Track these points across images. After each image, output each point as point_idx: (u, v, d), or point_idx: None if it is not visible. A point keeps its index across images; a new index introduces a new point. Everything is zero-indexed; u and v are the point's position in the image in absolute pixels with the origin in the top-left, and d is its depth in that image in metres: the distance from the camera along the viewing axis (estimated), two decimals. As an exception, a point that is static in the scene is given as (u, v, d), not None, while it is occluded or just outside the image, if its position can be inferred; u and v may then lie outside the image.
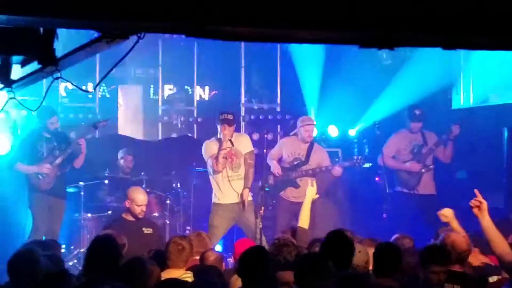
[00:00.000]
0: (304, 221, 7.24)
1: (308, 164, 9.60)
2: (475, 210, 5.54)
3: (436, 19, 3.60)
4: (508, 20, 3.64)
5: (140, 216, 7.92)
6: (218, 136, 8.77)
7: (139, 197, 7.91)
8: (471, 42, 3.80)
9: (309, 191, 7.65)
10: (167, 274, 5.66)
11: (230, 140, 8.72)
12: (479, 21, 3.62)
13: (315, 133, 10.80)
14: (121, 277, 5.07)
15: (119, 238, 6.64)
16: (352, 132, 10.90)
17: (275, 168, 9.52)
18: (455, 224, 6.17)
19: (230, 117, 8.75)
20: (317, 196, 7.78)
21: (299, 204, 8.84)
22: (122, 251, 6.22)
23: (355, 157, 9.96)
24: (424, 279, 5.34)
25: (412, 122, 10.05)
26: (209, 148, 8.85)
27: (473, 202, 5.55)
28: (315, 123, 9.86)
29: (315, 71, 11.11)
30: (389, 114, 10.85)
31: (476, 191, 5.55)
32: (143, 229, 7.85)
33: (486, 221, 5.52)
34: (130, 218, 7.90)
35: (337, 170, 9.60)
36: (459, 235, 5.88)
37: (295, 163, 9.60)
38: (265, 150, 9.73)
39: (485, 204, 5.56)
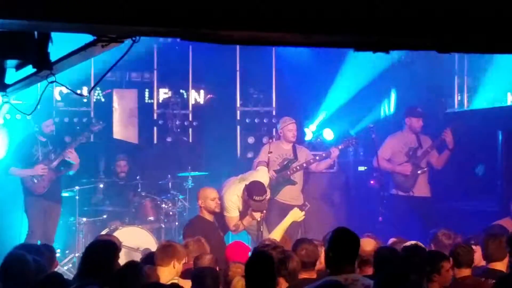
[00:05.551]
0: (277, 234, 7.26)
1: (298, 160, 9.61)
2: None
3: (430, 22, 3.60)
4: (502, 24, 3.64)
5: (217, 210, 8.09)
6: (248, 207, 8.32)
7: (211, 192, 8.14)
8: (466, 45, 3.81)
9: (294, 212, 7.65)
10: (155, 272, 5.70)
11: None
12: (474, 24, 3.62)
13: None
14: (115, 282, 5.05)
15: (117, 241, 6.65)
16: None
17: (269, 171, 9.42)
18: None
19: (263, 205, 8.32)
20: (302, 218, 7.79)
21: (292, 207, 8.83)
22: (117, 255, 6.21)
23: (349, 138, 9.96)
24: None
25: (414, 117, 10.00)
26: (237, 202, 8.42)
27: None
28: (295, 121, 9.81)
29: (309, 75, 11.11)
30: (384, 117, 10.84)
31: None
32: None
33: None
34: (207, 217, 8.07)
35: (334, 151, 9.62)
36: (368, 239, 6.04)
37: (285, 162, 9.59)
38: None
39: None
